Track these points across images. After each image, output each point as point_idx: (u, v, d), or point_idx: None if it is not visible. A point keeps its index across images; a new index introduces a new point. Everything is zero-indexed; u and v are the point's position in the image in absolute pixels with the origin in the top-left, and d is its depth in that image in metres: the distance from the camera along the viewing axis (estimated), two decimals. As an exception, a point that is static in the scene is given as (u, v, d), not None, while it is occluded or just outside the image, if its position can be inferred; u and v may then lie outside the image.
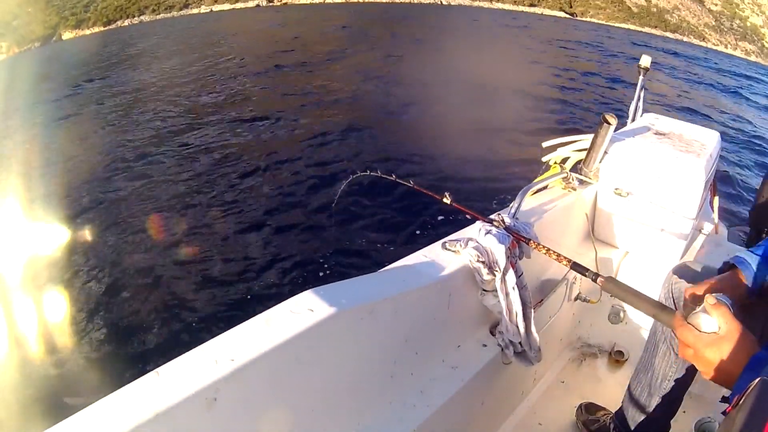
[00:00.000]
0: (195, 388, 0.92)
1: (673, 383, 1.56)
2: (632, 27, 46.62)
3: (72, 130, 10.63)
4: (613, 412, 1.81)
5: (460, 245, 1.58)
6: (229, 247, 5.35)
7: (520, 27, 33.59)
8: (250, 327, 1.10)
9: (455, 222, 5.13)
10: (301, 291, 1.22)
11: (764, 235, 3.56)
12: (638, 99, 2.86)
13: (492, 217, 1.68)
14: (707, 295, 0.98)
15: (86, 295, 4.70)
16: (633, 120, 2.79)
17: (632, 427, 1.67)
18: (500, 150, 8.23)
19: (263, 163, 7.65)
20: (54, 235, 5.78)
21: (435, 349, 1.55)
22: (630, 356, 2.29)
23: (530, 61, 18.79)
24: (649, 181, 2.13)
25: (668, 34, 46.21)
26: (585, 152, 2.39)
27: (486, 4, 48.12)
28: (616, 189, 2.21)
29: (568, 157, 2.59)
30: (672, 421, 1.65)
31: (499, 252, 1.54)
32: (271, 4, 44.52)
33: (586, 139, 2.47)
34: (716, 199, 2.54)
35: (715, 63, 28.37)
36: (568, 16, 48.85)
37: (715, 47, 45.18)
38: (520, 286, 1.58)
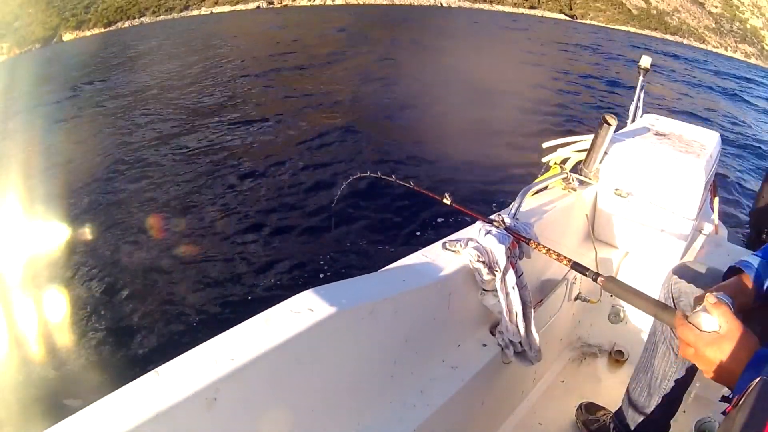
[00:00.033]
0: (195, 388, 0.92)
1: (672, 383, 1.57)
2: (632, 29, 46.63)
3: (72, 132, 10.63)
4: (613, 411, 1.81)
5: (461, 245, 1.58)
6: (229, 248, 5.35)
7: (520, 29, 33.62)
8: (250, 327, 1.10)
9: (455, 222, 5.14)
10: (301, 291, 1.22)
11: (764, 236, 3.57)
12: (638, 100, 2.87)
13: (492, 217, 1.69)
14: (707, 294, 0.98)
15: (86, 295, 4.70)
16: (633, 121, 2.79)
17: (632, 427, 1.67)
18: (500, 151, 8.24)
19: (263, 165, 7.65)
20: (54, 236, 5.78)
21: (435, 349, 1.55)
22: (630, 356, 2.30)
23: (530, 63, 18.80)
24: (649, 181, 2.13)
25: (668, 37, 46.23)
26: (585, 153, 2.39)
27: (486, 7, 48.15)
28: (616, 189, 2.21)
29: (568, 158, 2.59)
30: (672, 421, 1.65)
31: (499, 252, 1.55)
32: (271, 6, 44.54)
33: (586, 140, 2.47)
34: (716, 200, 2.54)
35: (715, 66, 28.40)
36: (568, 18, 48.86)
37: (715, 50, 45.18)
38: (520, 286, 1.59)
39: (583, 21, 48.66)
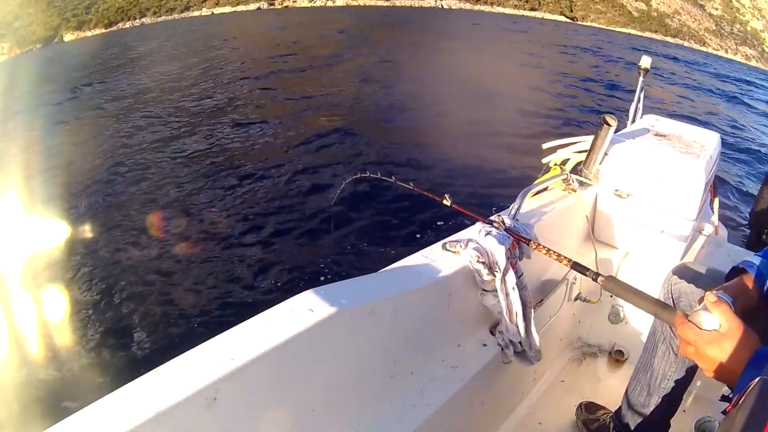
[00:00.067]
0: (195, 388, 0.92)
1: (672, 383, 1.57)
2: (633, 31, 46.66)
3: (73, 133, 10.63)
4: (613, 411, 1.81)
5: (461, 246, 1.58)
6: (229, 249, 5.35)
7: (521, 31, 33.65)
8: (250, 327, 1.10)
9: (455, 223, 5.13)
10: (302, 291, 1.23)
11: (764, 236, 3.57)
12: (638, 100, 2.87)
13: (492, 218, 1.69)
14: (707, 293, 0.99)
15: (86, 295, 4.70)
16: (633, 121, 2.79)
17: (632, 427, 1.67)
18: (500, 152, 8.25)
19: (263, 166, 7.65)
20: (54, 237, 5.78)
21: (435, 349, 1.55)
22: (630, 356, 2.30)
23: (530, 65, 18.83)
24: (649, 182, 2.13)
25: (669, 39, 46.25)
26: (585, 154, 2.39)
27: (487, 8, 48.19)
28: (616, 190, 2.20)
29: (568, 159, 2.59)
30: (672, 421, 1.65)
31: (499, 253, 1.55)
32: (272, 7, 44.58)
33: (586, 141, 2.47)
34: (716, 201, 2.54)
35: (716, 68, 28.42)
36: (568, 20, 48.89)
37: (715, 52, 45.20)
38: (520, 287, 1.59)
39: (584, 23, 48.69)
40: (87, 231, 5.96)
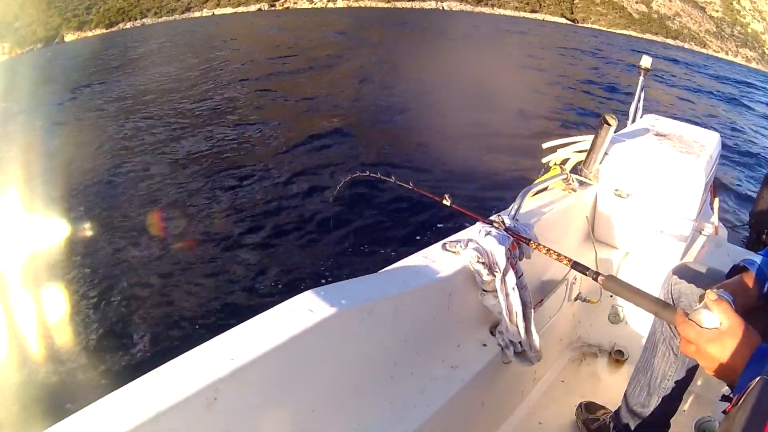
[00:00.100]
0: (195, 388, 0.92)
1: (672, 383, 1.56)
2: (633, 33, 46.77)
3: (73, 134, 10.63)
4: (613, 411, 1.80)
5: (460, 246, 1.58)
6: (229, 250, 5.35)
7: (521, 33, 33.72)
8: (250, 327, 1.10)
9: (455, 223, 5.12)
10: (301, 292, 1.22)
11: (764, 236, 3.58)
12: (638, 100, 2.87)
13: (492, 218, 1.69)
14: (708, 291, 0.98)
15: (86, 295, 4.69)
16: (633, 121, 2.79)
17: (632, 427, 1.67)
18: (500, 152, 8.25)
19: (262, 167, 7.65)
20: (54, 237, 5.78)
21: (435, 349, 1.55)
22: (630, 356, 2.30)
23: (531, 67, 18.85)
24: (649, 182, 2.13)
25: (669, 41, 46.35)
26: (585, 153, 2.39)
27: (487, 10, 48.32)
28: (616, 190, 2.20)
29: (568, 159, 2.59)
30: (672, 421, 1.65)
31: (499, 253, 1.55)
32: (272, 8, 44.68)
33: (586, 140, 2.47)
34: (716, 201, 2.53)
35: (716, 70, 28.47)
36: (569, 22, 49.00)
37: (716, 54, 45.30)
38: (520, 287, 1.59)
39: (584, 25, 48.81)
40: (87, 232, 5.96)
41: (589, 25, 48.54)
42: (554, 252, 1.45)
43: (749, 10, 49.40)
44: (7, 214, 6.39)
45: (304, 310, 1.15)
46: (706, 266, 1.61)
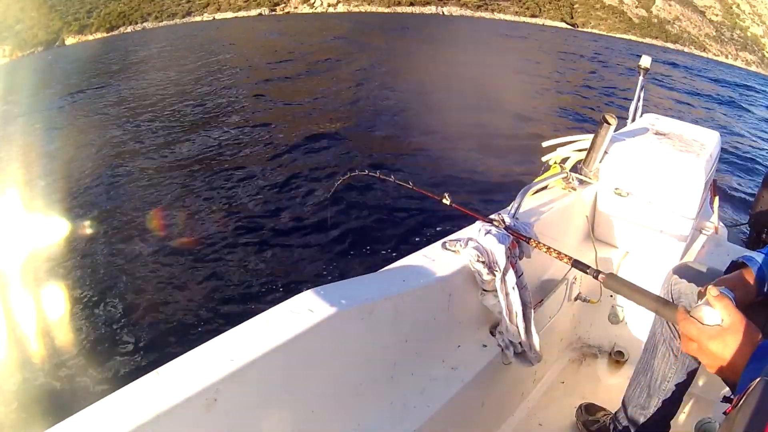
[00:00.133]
0: (195, 389, 0.92)
1: (672, 384, 1.56)
2: (633, 38, 46.93)
3: (73, 137, 10.63)
4: (613, 412, 1.80)
5: (460, 245, 1.58)
6: (228, 250, 5.35)
7: (521, 37, 33.86)
8: (250, 327, 1.10)
9: (455, 222, 5.11)
10: (301, 291, 1.22)
11: (764, 236, 3.57)
12: (638, 99, 2.87)
13: (492, 216, 1.69)
14: (709, 288, 0.97)
15: (86, 296, 4.70)
16: (633, 120, 2.79)
17: (632, 428, 1.67)
18: (500, 151, 8.25)
19: (261, 168, 7.66)
20: (54, 239, 5.79)
21: (435, 350, 1.54)
22: (630, 356, 2.29)
23: (530, 70, 18.91)
24: (649, 181, 2.12)
25: (669, 45, 46.52)
26: (585, 152, 2.39)
27: (488, 15, 48.51)
28: (616, 189, 2.20)
29: (568, 157, 2.58)
30: (672, 422, 1.64)
31: (499, 252, 1.54)
32: (273, 12, 44.84)
33: (586, 139, 2.47)
34: (716, 200, 2.53)
35: (716, 74, 28.54)
36: (569, 26, 49.19)
37: (715, 57, 45.45)
38: (520, 286, 1.59)
39: (584, 29, 49.00)
40: (87, 233, 5.97)
41: (589, 30, 48.72)
42: (554, 250, 1.44)
43: (749, 13, 49.57)
44: (8, 215, 6.40)
45: (304, 310, 1.15)
46: (706, 266, 1.60)
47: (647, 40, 46.25)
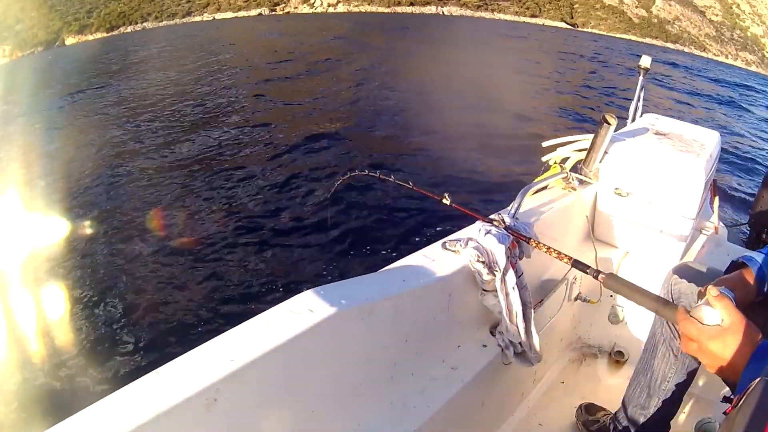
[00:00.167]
0: (195, 389, 0.92)
1: (672, 384, 1.56)
2: (633, 38, 46.92)
3: (72, 137, 10.63)
4: (613, 412, 1.80)
5: (460, 245, 1.58)
6: (228, 250, 5.35)
7: (521, 37, 33.86)
8: (250, 327, 1.10)
9: (455, 222, 5.11)
10: (301, 291, 1.22)
11: (764, 236, 3.57)
12: (638, 99, 2.87)
13: (492, 216, 1.68)
14: (710, 287, 0.97)
15: (86, 296, 4.70)
16: (633, 120, 2.79)
17: (632, 428, 1.67)
18: (500, 151, 8.25)
19: (260, 169, 7.66)
20: (54, 239, 5.79)
21: (435, 350, 1.54)
22: (630, 356, 2.29)
23: (530, 70, 18.92)
24: (649, 181, 2.12)
25: (669, 45, 46.51)
26: (585, 152, 2.39)
27: (488, 15, 48.50)
28: (616, 189, 2.20)
29: (568, 157, 2.58)
30: (672, 422, 1.64)
31: (499, 252, 1.54)
32: (273, 12, 44.83)
33: (586, 139, 2.47)
34: (716, 200, 2.53)
35: (716, 74, 28.54)
36: (569, 26, 49.17)
37: (715, 57, 45.45)
38: (520, 286, 1.58)
39: (584, 29, 48.99)
40: (87, 233, 5.97)
41: (589, 30, 48.71)
42: (554, 250, 1.44)
43: (749, 13, 49.58)
44: (7, 215, 6.40)
45: (304, 310, 1.15)
46: (707, 266, 1.60)
47: (647, 40, 46.24)
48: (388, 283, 1.40)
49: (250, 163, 7.90)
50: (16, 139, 10.93)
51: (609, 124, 2.15)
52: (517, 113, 11.13)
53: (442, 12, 47.98)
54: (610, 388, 2.14)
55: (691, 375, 1.56)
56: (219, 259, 5.19)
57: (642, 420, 1.62)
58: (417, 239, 5.28)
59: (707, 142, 2.24)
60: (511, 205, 1.81)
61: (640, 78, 2.86)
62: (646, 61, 2.81)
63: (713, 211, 2.50)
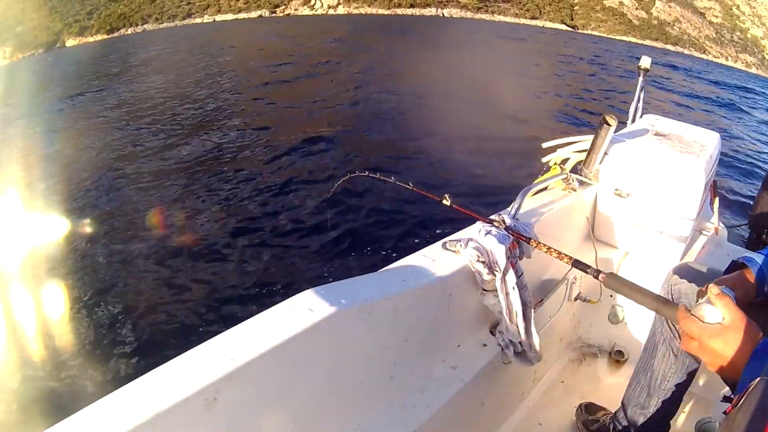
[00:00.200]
0: (195, 388, 0.92)
1: (672, 384, 1.56)
2: (633, 40, 46.89)
3: (72, 139, 10.63)
4: (613, 412, 1.80)
5: (461, 245, 1.58)
6: (228, 250, 5.36)
7: (521, 39, 33.87)
8: (250, 327, 1.10)
9: (455, 223, 5.10)
10: (301, 291, 1.22)
11: (764, 236, 3.57)
12: (638, 100, 2.87)
13: (492, 217, 1.69)
14: (710, 286, 0.98)
15: (86, 296, 4.70)
16: (633, 121, 2.79)
17: (632, 428, 1.67)
18: (500, 153, 8.25)
19: (260, 170, 7.66)
20: (53, 240, 5.79)
21: (435, 349, 1.55)
22: (630, 356, 2.29)
23: (530, 71, 18.93)
24: (649, 182, 2.12)
25: (669, 47, 46.49)
26: (585, 153, 2.39)
27: (488, 17, 48.47)
28: (616, 190, 2.20)
29: (568, 158, 2.59)
30: (672, 422, 1.64)
31: (499, 252, 1.55)
32: (273, 14, 44.83)
33: (586, 140, 2.47)
34: (716, 200, 2.53)
35: (716, 76, 28.55)
36: (569, 28, 49.16)
37: (715, 59, 45.42)
38: (520, 287, 1.59)
39: (584, 31, 48.97)
40: (87, 235, 5.97)
41: (589, 32, 48.70)
42: (555, 250, 1.45)
43: (749, 15, 49.59)
44: (7, 216, 6.40)
45: (304, 310, 1.15)
46: (707, 266, 1.61)
47: (647, 42, 46.22)
48: (388, 283, 1.40)
49: (249, 165, 7.91)
50: (16, 142, 10.94)
51: (609, 125, 2.15)
52: (516, 115, 11.14)
53: (442, 14, 47.97)
54: (610, 388, 2.14)
55: (691, 375, 1.56)
56: (219, 259, 5.20)
57: (642, 420, 1.63)
58: (417, 240, 5.28)
59: (707, 143, 2.25)
60: (511, 206, 1.81)
61: (640, 79, 2.87)
62: (645, 62, 2.81)
63: (713, 211, 2.50)
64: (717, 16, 49.81)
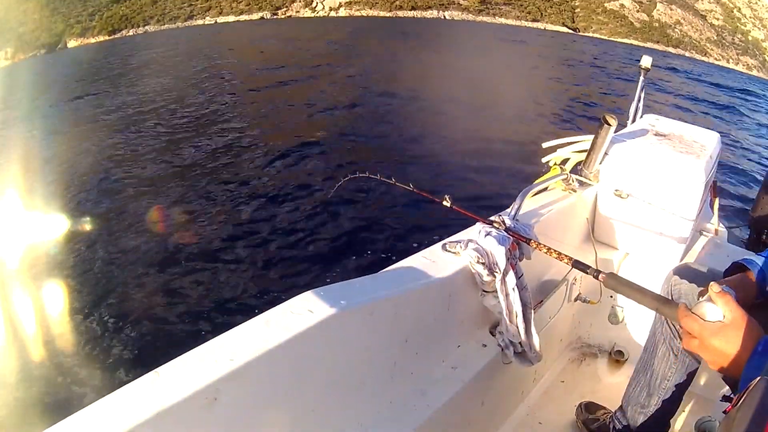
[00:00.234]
0: (195, 388, 0.92)
1: (672, 383, 1.57)
2: (634, 42, 46.82)
3: (72, 140, 10.63)
4: (613, 411, 1.80)
5: (461, 246, 1.59)
6: (228, 251, 5.36)
7: (523, 42, 33.87)
8: (250, 327, 1.10)
9: (455, 224, 5.10)
10: (301, 292, 1.23)
11: (764, 237, 3.57)
12: (638, 100, 2.87)
13: (492, 218, 1.68)
14: (711, 284, 0.98)
15: (86, 296, 4.71)
16: (633, 121, 2.79)
17: (632, 427, 1.67)
18: (500, 154, 8.27)
19: (260, 172, 7.68)
20: (53, 240, 5.80)
21: (435, 350, 1.55)
22: (630, 356, 2.29)
23: (531, 73, 18.97)
24: (649, 182, 2.12)
25: (670, 49, 46.41)
26: (585, 153, 2.39)
27: (489, 19, 48.42)
28: (616, 190, 2.19)
29: (568, 159, 2.59)
30: (672, 421, 1.65)
31: (499, 253, 1.55)
32: (275, 16, 44.84)
33: (586, 140, 2.47)
34: (716, 201, 2.52)
35: (717, 78, 28.53)
36: (570, 31, 49.10)
37: (717, 62, 45.34)
38: (520, 287, 1.59)
39: (586, 34, 48.91)
40: (87, 236, 5.98)
41: (591, 34, 48.63)
42: (555, 251, 1.44)
43: (750, 18, 49.56)
44: (7, 216, 6.41)
45: (304, 311, 1.15)
46: (707, 267, 1.61)
47: (648, 45, 46.12)
48: (389, 283, 1.40)
49: (249, 168, 7.91)
50: (17, 143, 10.95)
51: (609, 125, 2.15)
52: (517, 117, 11.16)
53: (444, 16, 47.95)
54: (610, 387, 2.14)
55: (691, 374, 1.56)
56: (219, 260, 5.20)
57: (642, 419, 1.63)
58: (417, 241, 5.27)
59: (707, 143, 2.24)
60: (511, 207, 1.80)
61: (641, 78, 2.86)
62: (646, 62, 2.81)
63: (713, 212, 2.50)
64: (718, 19, 49.77)
